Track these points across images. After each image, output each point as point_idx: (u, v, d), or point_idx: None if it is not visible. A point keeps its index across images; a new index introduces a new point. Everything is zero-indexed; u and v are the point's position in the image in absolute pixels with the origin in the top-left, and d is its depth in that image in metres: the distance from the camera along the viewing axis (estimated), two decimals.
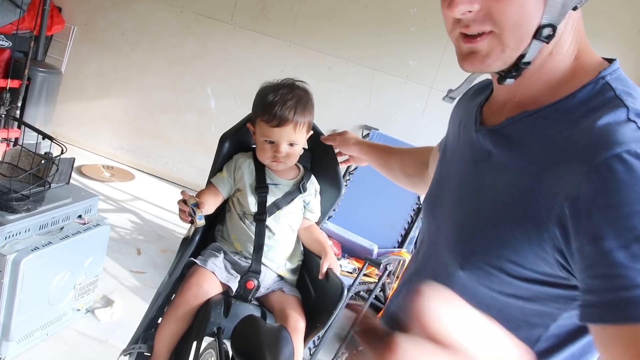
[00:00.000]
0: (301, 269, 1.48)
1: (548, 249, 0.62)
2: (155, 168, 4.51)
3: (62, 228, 2.11)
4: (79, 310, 2.31)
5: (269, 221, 1.38)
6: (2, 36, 3.51)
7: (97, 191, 3.42)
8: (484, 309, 0.53)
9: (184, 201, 1.21)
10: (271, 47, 4.14)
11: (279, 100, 1.32)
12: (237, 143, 1.46)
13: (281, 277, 1.43)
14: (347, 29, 3.95)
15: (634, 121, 0.59)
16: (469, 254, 0.70)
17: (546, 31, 0.65)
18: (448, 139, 0.91)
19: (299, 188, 1.42)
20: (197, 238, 1.34)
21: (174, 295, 1.37)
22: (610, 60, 0.70)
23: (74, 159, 2.28)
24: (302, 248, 1.50)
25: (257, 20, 4.14)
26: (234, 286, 1.33)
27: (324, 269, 1.34)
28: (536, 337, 0.68)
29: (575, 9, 0.66)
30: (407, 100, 3.93)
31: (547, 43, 0.66)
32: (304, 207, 1.46)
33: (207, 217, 1.26)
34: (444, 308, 0.45)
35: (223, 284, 1.33)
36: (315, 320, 1.29)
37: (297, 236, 1.48)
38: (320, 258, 1.37)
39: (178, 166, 4.48)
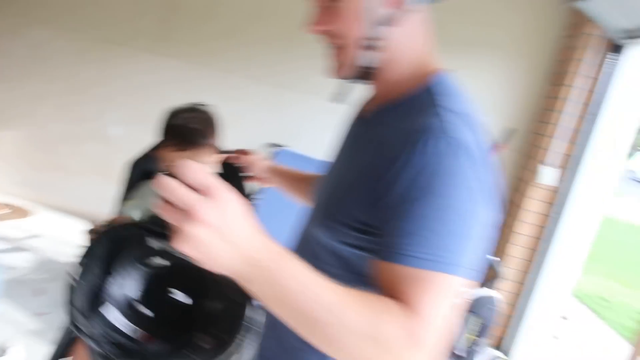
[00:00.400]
0: None
1: (375, 205, 0.78)
2: (56, 202, 4.25)
3: None
4: None
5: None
6: None
7: None
8: (339, 259, 0.85)
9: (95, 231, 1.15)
10: (175, 70, 4.06)
11: (183, 125, 1.30)
12: (144, 170, 1.42)
13: None
14: (251, 47, 3.95)
15: (440, 116, 0.77)
16: (327, 216, 0.88)
17: (371, 43, 0.83)
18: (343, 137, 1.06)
19: None
20: None
21: None
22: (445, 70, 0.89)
23: None
24: None
25: (158, 43, 4.05)
26: None
27: None
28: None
29: (390, 24, 0.84)
30: (312, 115, 3.98)
31: (376, 51, 0.84)
32: None
33: None
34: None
35: None
36: None
37: None
38: None
39: (81, 198, 4.25)
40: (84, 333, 0.73)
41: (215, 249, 0.59)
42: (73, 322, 0.74)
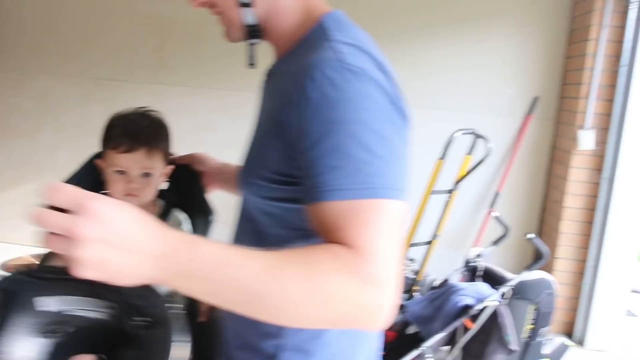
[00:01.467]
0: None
1: (288, 154, 0.75)
2: None
3: None
4: None
5: None
6: None
7: None
8: (272, 217, 0.83)
9: None
10: (179, 96, 3.97)
11: (128, 125, 1.18)
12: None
13: None
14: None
15: (334, 48, 0.75)
16: (248, 175, 0.86)
17: (244, 1, 0.84)
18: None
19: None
20: None
21: None
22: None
23: None
24: None
25: (158, 72, 3.98)
26: None
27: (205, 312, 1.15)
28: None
29: None
30: None
31: (250, 7, 0.84)
32: None
33: None
34: None
35: None
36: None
37: None
38: None
39: None
40: None
41: (114, 262, 0.55)
42: None
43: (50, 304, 0.69)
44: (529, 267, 1.91)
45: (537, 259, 1.89)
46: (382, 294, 0.64)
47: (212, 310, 1.15)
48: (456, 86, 3.64)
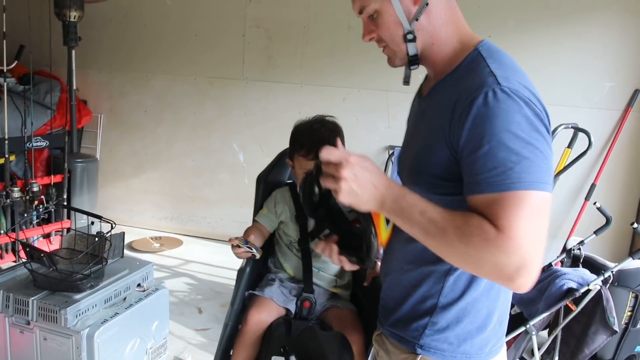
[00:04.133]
0: (353, 284, 1.55)
1: (454, 158, 0.96)
2: (200, 230, 4.67)
3: (125, 298, 2.24)
4: None
5: (313, 245, 1.47)
6: (39, 137, 3.79)
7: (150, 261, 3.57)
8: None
9: (237, 246, 1.33)
10: (285, 92, 4.30)
11: (314, 135, 1.44)
12: (272, 181, 1.57)
13: (335, 294, 1.50)
14: (353, 58, 4.08)
15: (492, 73, 0.94)
16: (417, 174, 1.05)
17: (409, 36, 1.04)
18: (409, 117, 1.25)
19: None
20: (249, 268, 1.44)
21: (240, 326, 1.46)
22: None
23: (124, 232, 2.43)
24: None
25: (266, 71, 4.32)
26: (292, 308, 1.41)
27: (370, 276, 1.40)
28: None
29: (417, 19, 1.03)
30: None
31: (414, 42, 1.05)
32: None
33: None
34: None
35: (282, 308, 1.41)
36: (372, 329, 1.35)
37: None
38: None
39: (221, 223, 4.63)
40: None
41: (359, 192, 0.92)
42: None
43: None
44: (632, 254, 2.04)
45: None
46: (511, 260, 0.84)
47: (375, 278, 1.42)
48: (555, 80, 3.70)
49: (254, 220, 1.55)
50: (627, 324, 2.51)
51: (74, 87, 3.81)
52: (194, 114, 4.56)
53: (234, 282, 3.63)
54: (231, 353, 1.46)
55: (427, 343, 1.05)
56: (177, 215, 4.73)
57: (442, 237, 0.90)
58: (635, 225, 2.06)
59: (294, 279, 1.50)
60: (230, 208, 4.59)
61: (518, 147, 0.87)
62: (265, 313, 1.39)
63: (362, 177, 0.91)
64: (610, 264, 2.39)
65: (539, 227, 0.87)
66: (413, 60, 1.09)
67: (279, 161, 1.57)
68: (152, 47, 4.54)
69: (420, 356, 1.04)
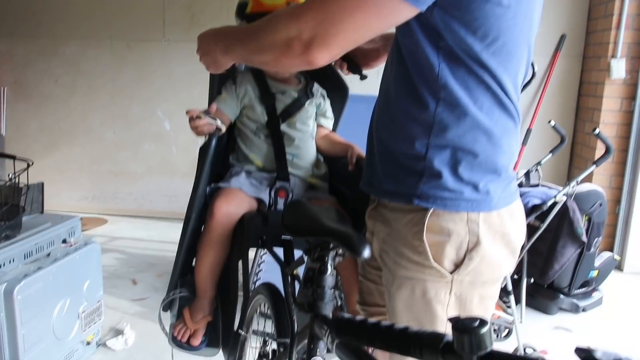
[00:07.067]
0: (331, 178, 1.37)
1: None
2: (125, 207, 4.29)
3: (49, 254, 1.93)
4: (89, 343, 2.10)
5: (284, 128, 1.30)
6: None
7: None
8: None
9: (197, 117, 1.12)
10: None
11: None
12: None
13: (312, 186, 1.32)
14: None
15: None
16: None
17: None
18: None
19: (306, 93, 1.36)
20: (214, 141, 1.21)
21: (204, 224, 1.23)
22: None
23: (43, 183, 2.10)
24: (322, 158, 1.40)
25: (190, 31, 4.03)
26: (265, 198, 1.21)
27: (353, 159, 1.23)
28: None
29: None
30: None
31: None
32: (316, 114, 1.39)
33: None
34: None
35: (253, 199, 1.20)
36: (360, 217, 1.17)
37: (317, 147, 1.39)
38: (346, 156, 1.27)
39: (148, 198, 4.28)
40: None
41: (211, 59, 1.08)
42: None
43: None
44: (596, 162, 2.01)
45: (605, 154, 1.98)
46: (306, 27, 0.80)
47: (359, 160, 1.24)
48: None
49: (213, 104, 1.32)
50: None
51: None
52: (112, 81, 4.18)
53: (169, 254, 3.35)
54: (193, 265, 1.23)
55: (424, 191, 0.88)
56: (99, 193, 4.32)
57: (255, 32, 0.90)
58: (597, 131, 2.03)
59: (264, 169, 1.28)
60: (157, 181, 4.25)
61: None
62: (235, 205, 1.17)
63: (206, 47, 1.06)
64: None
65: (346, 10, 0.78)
66: None
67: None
68: (61, 9, 4.11)
69: (431, 210, 0.87)
